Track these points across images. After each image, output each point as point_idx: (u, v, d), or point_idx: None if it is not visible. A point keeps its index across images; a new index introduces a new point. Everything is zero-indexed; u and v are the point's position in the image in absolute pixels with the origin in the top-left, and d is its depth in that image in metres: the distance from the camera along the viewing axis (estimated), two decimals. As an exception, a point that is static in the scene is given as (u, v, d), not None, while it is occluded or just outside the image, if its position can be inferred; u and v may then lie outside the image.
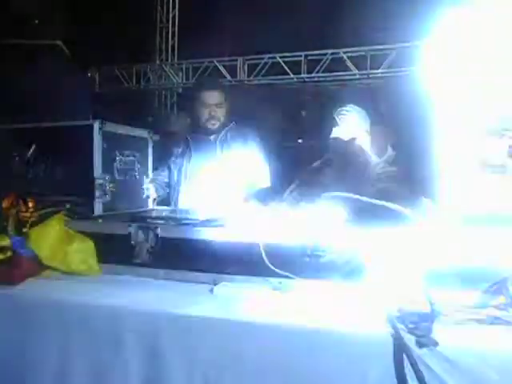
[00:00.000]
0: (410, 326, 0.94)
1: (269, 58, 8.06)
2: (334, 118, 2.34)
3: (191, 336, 1.13)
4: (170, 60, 9.37)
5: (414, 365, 0.89)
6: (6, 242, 1.53)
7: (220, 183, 2.38)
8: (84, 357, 1.22)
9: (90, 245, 1.52)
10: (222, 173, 2.44)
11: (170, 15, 9.42)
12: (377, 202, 1.48)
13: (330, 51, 7.69)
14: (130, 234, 1.49)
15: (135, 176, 2.01)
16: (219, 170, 2.46)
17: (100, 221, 1.68)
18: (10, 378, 1.30)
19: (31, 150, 1.80)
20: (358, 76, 7.62)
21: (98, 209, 1.75)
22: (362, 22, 7.32)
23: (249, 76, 8.30)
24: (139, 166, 2.03)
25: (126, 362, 1.17)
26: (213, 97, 2.56)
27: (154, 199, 2.19)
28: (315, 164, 2.21)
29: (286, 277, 1.26)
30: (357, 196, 1.45)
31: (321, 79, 7.87)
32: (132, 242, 1.49)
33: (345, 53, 7.67)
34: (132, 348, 1.17)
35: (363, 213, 1.38)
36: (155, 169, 2.36)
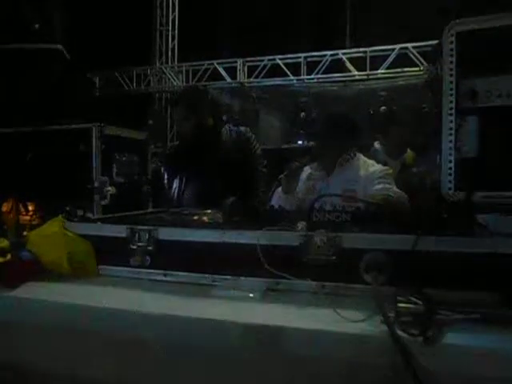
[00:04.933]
0: (406, 325, 0.94)
1: (268, 59, 8.08)
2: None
3: (191, 338, 1.13)
4: (170, 63, 9.40)
5: (410, 365, 0.89)
6: (5, 244, 1.54)
7: (217, 184, 2.38)
8: (84, 357, 1.22)
9: (88, 247, 1.53)
10: (219, 174, 2.45)
11: (170, 18, 9.45)
12: (374, 202, 1.49)
13: (329, 52, 7.71)
14: (128, 236, 1.50)
15: (134, 178, 2.02)
16: (217, 171, 2.47)
17: (99, 223, 1.69)
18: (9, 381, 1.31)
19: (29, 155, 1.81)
20: (357, 77, 7.62)
21: (97, 211, 1.76)
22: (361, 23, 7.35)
23: (249, 78, 8.31)
24: (138, 168, 2.05)
25: (126, 363, 1.18)
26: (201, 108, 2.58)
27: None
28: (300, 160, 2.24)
29: (284, 278, 1.26)
30: (350, 195, 1.46)
31: (320, 81, 7.87)
32: (130, 245, 1.49)
33: (344, 54, 7.68)
34: (131, 349, 1.17)
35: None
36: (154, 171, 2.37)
